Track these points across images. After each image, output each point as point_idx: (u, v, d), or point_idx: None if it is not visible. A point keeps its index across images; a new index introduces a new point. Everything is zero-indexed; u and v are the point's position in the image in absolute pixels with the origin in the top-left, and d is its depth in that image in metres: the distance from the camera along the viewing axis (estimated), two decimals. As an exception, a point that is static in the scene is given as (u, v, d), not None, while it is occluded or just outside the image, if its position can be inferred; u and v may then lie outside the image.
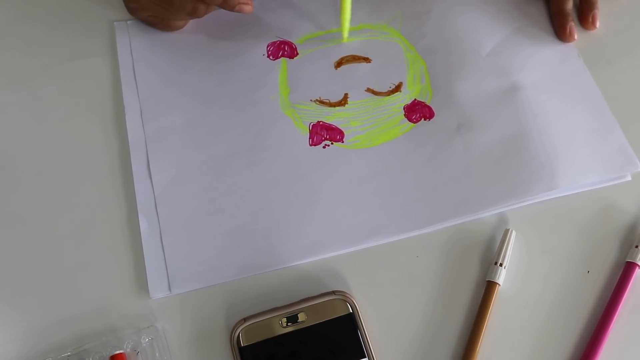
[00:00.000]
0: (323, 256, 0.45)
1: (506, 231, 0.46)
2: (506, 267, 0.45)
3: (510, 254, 0.45)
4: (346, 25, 0.53)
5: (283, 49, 0.54)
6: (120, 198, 0.47)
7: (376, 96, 0.52)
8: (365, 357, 0.41)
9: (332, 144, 0.49)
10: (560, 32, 0.55)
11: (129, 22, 0.55)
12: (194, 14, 0.49)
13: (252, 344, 0.41)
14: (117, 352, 0.41)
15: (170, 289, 0.44)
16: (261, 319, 0.42)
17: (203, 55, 0.53)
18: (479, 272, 0.45)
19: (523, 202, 0.47)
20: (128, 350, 0.41)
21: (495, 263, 0.45)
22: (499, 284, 0.44)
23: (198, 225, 0.46)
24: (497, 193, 0.47)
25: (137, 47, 0.53)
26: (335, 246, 0.45)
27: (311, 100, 0.51)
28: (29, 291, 0.44)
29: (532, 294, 0.44)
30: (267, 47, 0.54)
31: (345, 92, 0.52)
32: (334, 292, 0.43)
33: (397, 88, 0.52)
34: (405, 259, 0.45)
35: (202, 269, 0.44)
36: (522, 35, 0.55)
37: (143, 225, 0.46)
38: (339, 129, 0.50)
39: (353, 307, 0.42)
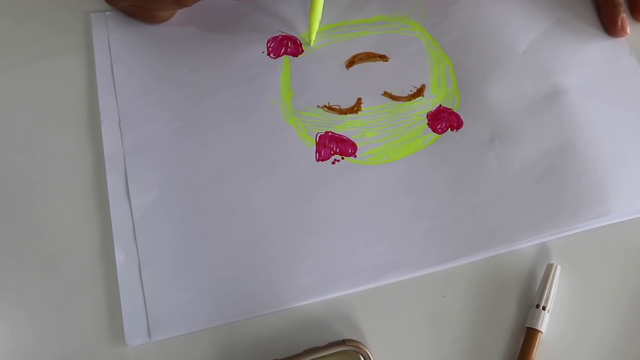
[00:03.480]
0: (332, 296, 0.40)
1: (549, 266, 0.41)
2: (550, 311, 0.39)
3: (554, 295, 0.40)
4: (316, 24, 0.48)
5: (286, 45, 0.49)
6: (92, 223, 0.42)
7: (394, 101, 0.47)
8: None
9: (342, 158, 0.45)
10: (609, 26, 0.50)
11: (107, 13, 0.49)
12: (181, 2, 0.44)
13: (246, 406, 0.35)
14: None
15: (150, 335, 0.39)
16: (257, 374, 0.36)
17: (192, 53, 0.48)
18: (516, 316, 0.40)
19: (569, 230, 0.42)
20: (98, 411, 0.36)
21: (537, 306, 0.39)
22: (542, 332, 0.39)
23: (184, 257, 0.41)
24: (537, 219, 0.42)
25: (116, 43, 0.48)
26: (347, 283, 0.40)
27: (318, 106, 0.47)
28: (-17, 336, 0.39)
29: (581, 343, 0.39)
30: (268, 43, 0.49)
31: (359, 97, 0.47)
32: (344, 342, 0.37)
33: (419, 92, 0.47)
34: (429, 299, 0.41)
35: (189, 311, 0.39)
36: (565, 29, 0.50)
37: (119, 256, 0.41)
38: (351, 141, 0.45)
39: (367, 360, 0.37)
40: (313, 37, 0.48)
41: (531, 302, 0.40)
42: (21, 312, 0.40)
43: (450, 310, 0.40)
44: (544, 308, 0.39)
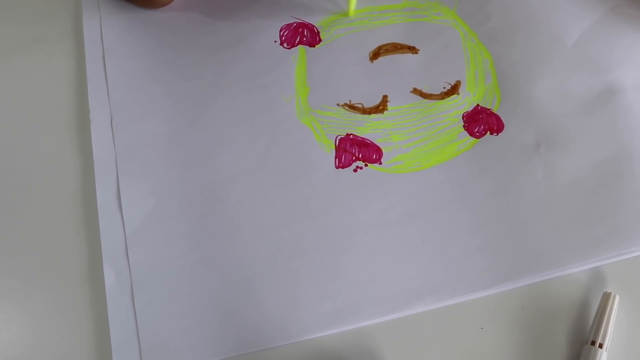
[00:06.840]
0: (353, 326, 0.38)
1: (606, 295, 0.37)
2: (607, 349, 0.36)
3: (612, 329, 0.36)
4: None
5: (301, 34, 0.47)
6: (78, 238, 0.40)
7: (425, 100, 0.45)
8: None
9: (366, 165, 0.42)
10: (672, 14, 0.47)
11: (100, -4, 0.48)
12: (183, -14, 0.43)
13: None
14: None
15: (142, 369, 0.36)
16: (266, 419, 0.33)
17: (195, 42, 0.47)
18: (567, 354, 0.37)
19: (628, 253, 0.39)
20: None
21: (592, 343, 0.36)
22: (598, 374, 0.35)
23: (183, 279, 0.39)
24: (591, 240, 0.39)
25: (109, 30, 0.47)
26: (370, 312, 0.38)
27: (338, 104, 0.44)
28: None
29: (644, 388, 0.36)
30: (281, 31, 0.47)
31: (384, 94, 0.45)
32: (367, 383, 0.34)
33: (454, 89, 0.45)
34: (466, 332, 0.38)
35: (188, 342, 0.37)
36: (620, 17, 0.47)
37: (108, 277, 0.39)
38: (376, 145, 0.43)
39: (394, 405, 0.34)
40: (353, 6, 0.46)
41: (584, 338, 0.37)
42: (-5, 341, 0.37)
43: (490, 345, 0.37)
44: (600, 345, 0.36)
